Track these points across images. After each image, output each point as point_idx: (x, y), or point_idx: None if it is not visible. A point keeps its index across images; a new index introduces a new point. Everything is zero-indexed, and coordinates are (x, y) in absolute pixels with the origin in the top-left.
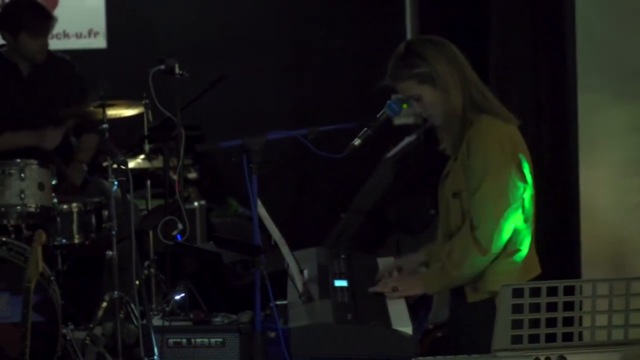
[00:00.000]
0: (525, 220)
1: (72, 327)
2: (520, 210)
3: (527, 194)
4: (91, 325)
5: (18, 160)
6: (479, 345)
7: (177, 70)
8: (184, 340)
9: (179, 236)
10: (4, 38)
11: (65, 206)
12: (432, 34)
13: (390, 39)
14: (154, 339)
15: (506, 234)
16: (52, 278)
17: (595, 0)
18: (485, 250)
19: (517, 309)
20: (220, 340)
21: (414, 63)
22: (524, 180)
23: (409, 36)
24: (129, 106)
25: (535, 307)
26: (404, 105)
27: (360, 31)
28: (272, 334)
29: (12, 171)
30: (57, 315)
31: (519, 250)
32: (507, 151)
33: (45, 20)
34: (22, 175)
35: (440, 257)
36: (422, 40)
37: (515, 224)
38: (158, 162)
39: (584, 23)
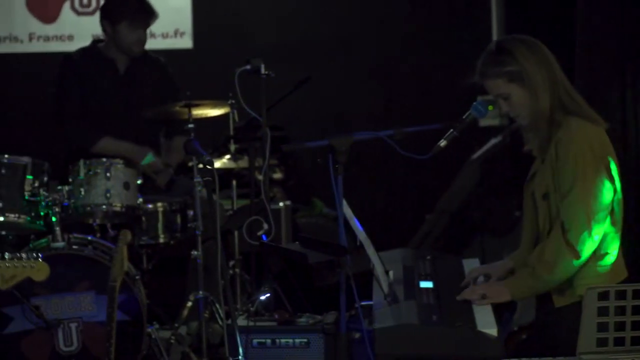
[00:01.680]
0: (614, 224)
1: (157, 326)
2: (609, 214)
3: (616, 197)
4: (176, 325)
5: (104, 159)
6: (564, 349)
7: (262, 71)
8: (269, 341)
9: (264, 236)
10: (104, 28)
11: (150, 206)
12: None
13: (476, 40)
14: (238, 339)
15: (597, 237)
16: (137, 277)
17: None
18: (577, 253)
19: (602, 311)
20: (305, 340)
21: (505, 61)
22: (613, 183)
23: (494, 37)
24: (214, 106)
25: (620, 310)
26: (490, 107)
27: (446, 32)
28: (357, 335)
29: (98, 170)
30: (142, 314)
31: (608, 253)
32: (597, 154)
33: (146, 13)
34: (108, 174)
35: (527, 262)
36: (513, 39)
37: (605, 228)
38: (243, 162)
39: None
